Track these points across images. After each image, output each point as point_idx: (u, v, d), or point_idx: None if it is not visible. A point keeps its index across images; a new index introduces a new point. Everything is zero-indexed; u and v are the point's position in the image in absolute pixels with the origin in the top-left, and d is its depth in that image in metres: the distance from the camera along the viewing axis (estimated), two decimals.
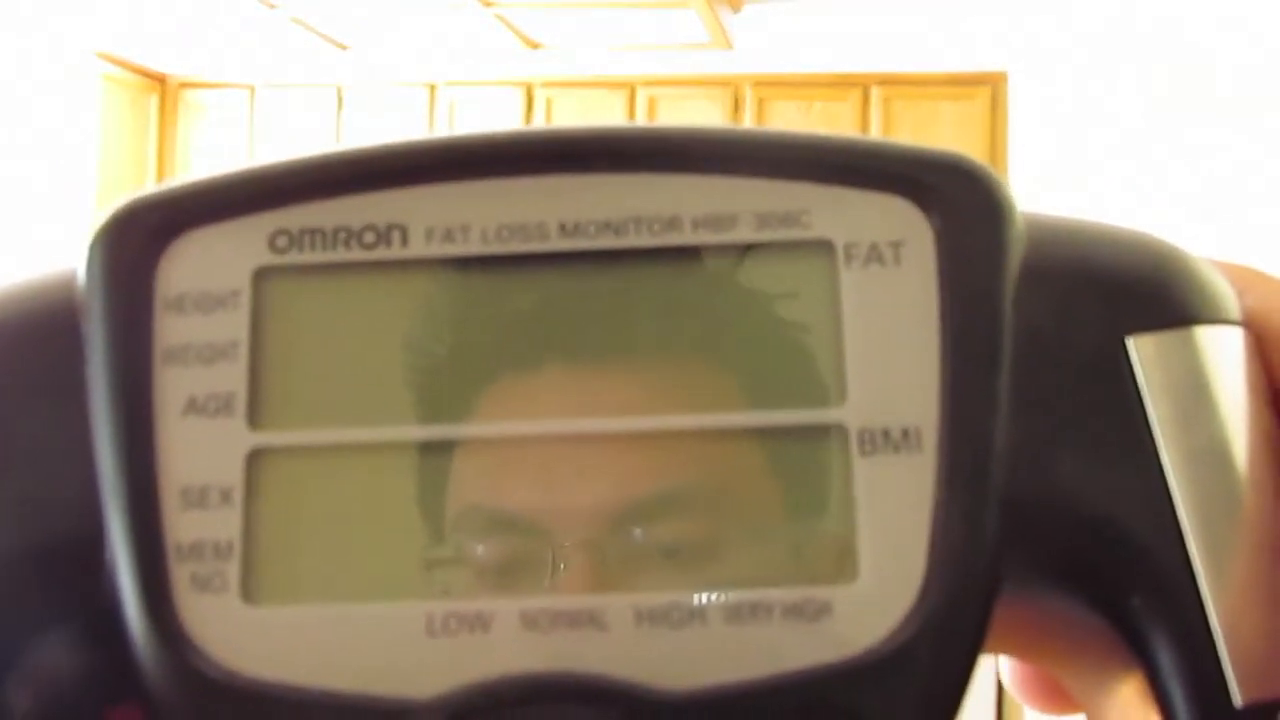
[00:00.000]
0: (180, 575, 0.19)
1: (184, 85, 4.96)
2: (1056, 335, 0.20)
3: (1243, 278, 0.22)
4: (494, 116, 4.72)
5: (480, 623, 0.19)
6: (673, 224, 0.20)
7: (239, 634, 0.19)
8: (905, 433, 0.19)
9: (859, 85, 4.56)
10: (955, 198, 0.20)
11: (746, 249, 0.20)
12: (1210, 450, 0.20)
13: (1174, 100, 3.93)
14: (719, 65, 4.47)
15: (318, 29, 4.06)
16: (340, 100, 4.84)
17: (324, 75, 4.80)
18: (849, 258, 0.20)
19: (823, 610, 0.19)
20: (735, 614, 0.19)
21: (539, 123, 4.70)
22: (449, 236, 0.20)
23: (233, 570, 0.19)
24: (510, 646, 0.19)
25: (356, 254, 0.20)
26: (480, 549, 0.20)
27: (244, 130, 4.92)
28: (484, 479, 0.20)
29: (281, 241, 0.20)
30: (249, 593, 0.19)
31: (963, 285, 0.20)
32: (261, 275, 0.20)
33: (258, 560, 0.19)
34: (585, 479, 0.20)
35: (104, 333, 0.20)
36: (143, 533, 0.19)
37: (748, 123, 4.58)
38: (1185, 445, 0.20)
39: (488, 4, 3.70)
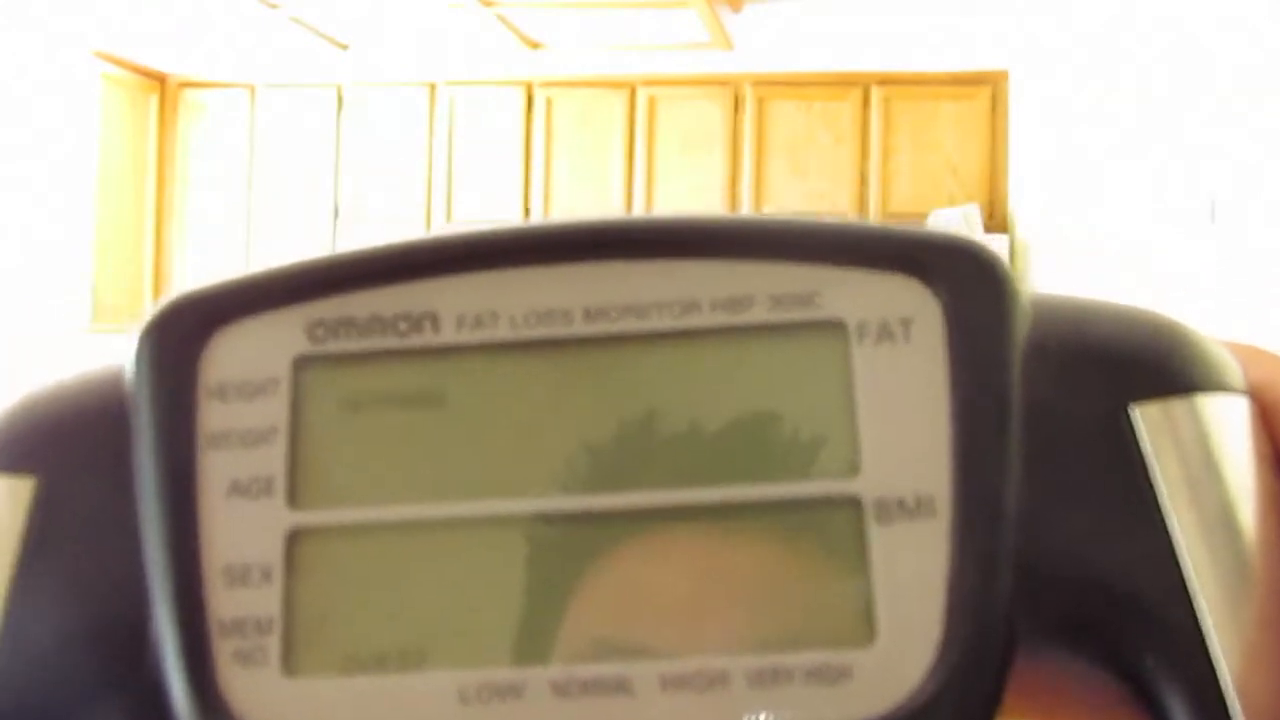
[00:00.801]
0: (223, 650, 0.20)
1: (184, 85, 4.96)
2: (1062, 405, 0.21)
3: (1247, 354, 0.23)
4: (494, 116, 4.73)
5: (512, 691, 0.20)
6: (692, 307, 0.21)
7: (280, 706, 0.20)
8: (919, 501, 0.20)
9: (859, 85, 4.57)
10: (961, 277, 0.21)
11: (763, 329, 0.21)
12: (1217, 513, 0.21)
13: (1174, 100, 3.93)
14: (719, 65, 4.47)
15: (318, 29, 4.06)
16: (340, 100, 4.85)
17: (324, 75, 4.80)
18: (860, 335, 0.21)
19: (843, 673, 0.19)
20: (758, 678, 0.19)
21: (538, 121, 4.71)
22: (479, 323, 0.21)
23: (273, 645, 0.20)
24: (541, 714, 0.19)
25: (390, 342, 0.21)
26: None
27: (244, 130, 4.92)
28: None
29: (319, 331, 0.21)
30: (289, 666, 0.20)
31: (970, 359, 0.20)
32: (300, 364, 0.21)
33: (297, 635, 0.20)
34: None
35: (151, 420, 0.21)
36: (187, 610, 0.20)
37: (748, 122, 4.59)
38: (1192, 509, 0.20)
39: (488, 4, 3.71)
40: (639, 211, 4.61)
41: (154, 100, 4.91)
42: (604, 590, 0.20)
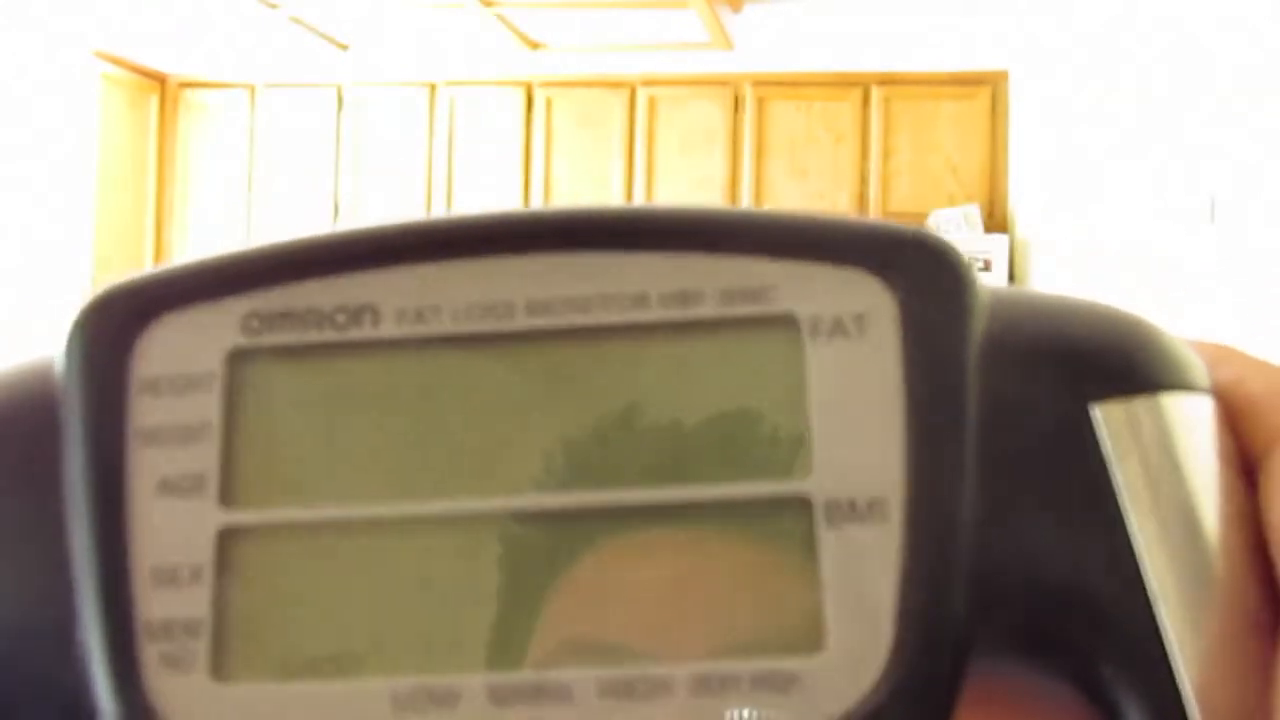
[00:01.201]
0: (150, 653, 0.19)
1: (184, 85, 4.96)
2: (1020, 404, 0.20)
3: (1214, 353, 0.22)
4: (494, 116, 4.72)
5: (448, 698, 0.19)
6: (639, 301, 0.20)
7: (208, 712, 0.19)
8: (871, 503, 0.19)
9: (859, 85, 4.56)
10: (916, 271, 0.20)
11: (712, 324, 0.20)
12: (1179, 517, 0.20)
13: (1174, 100, 3.93)
14: (719, 65, 4.47)
15: (318, 29, 4.06)
16: (340, 100, 4.84)
17: (324, 75, 4.80)
18: (813, 331, 0.20)
19: (790, 681, 0.19)
20: (703, 685, 0.19)
21: (538, 121, 4.70)
22: (420, 317, 0.20)
23: (202, 648, 0.19)
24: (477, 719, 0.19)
25: (328, 335, 0.20)
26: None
27: (244, 130, 4.92)
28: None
29: (254, 324, 0.20)
30: (218, 671, 0.19)
31: (925, 357, 0.20)
32: (234, 357, 0.20)
33: (226, 638, 0.19)
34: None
35: (81, 414, 0.20)
36: (114, 611, 0.19)
37: (748, 122, 4.58)
38: (1153, 512, 0.20)
39: (488, 4, 3.70)
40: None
41: (154, 100, 4.91)
42: (542, 594, 0.20)
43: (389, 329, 0.20)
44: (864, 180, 4.55)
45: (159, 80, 4.92)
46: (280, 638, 0.20)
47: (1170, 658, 0.19)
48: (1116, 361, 0.21)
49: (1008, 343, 0.20)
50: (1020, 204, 4.33)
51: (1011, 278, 4.24)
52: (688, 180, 4.63)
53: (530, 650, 0.20)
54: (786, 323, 0.20)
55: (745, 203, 4.57)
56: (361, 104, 4.84)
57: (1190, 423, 0.21)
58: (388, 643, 0.20)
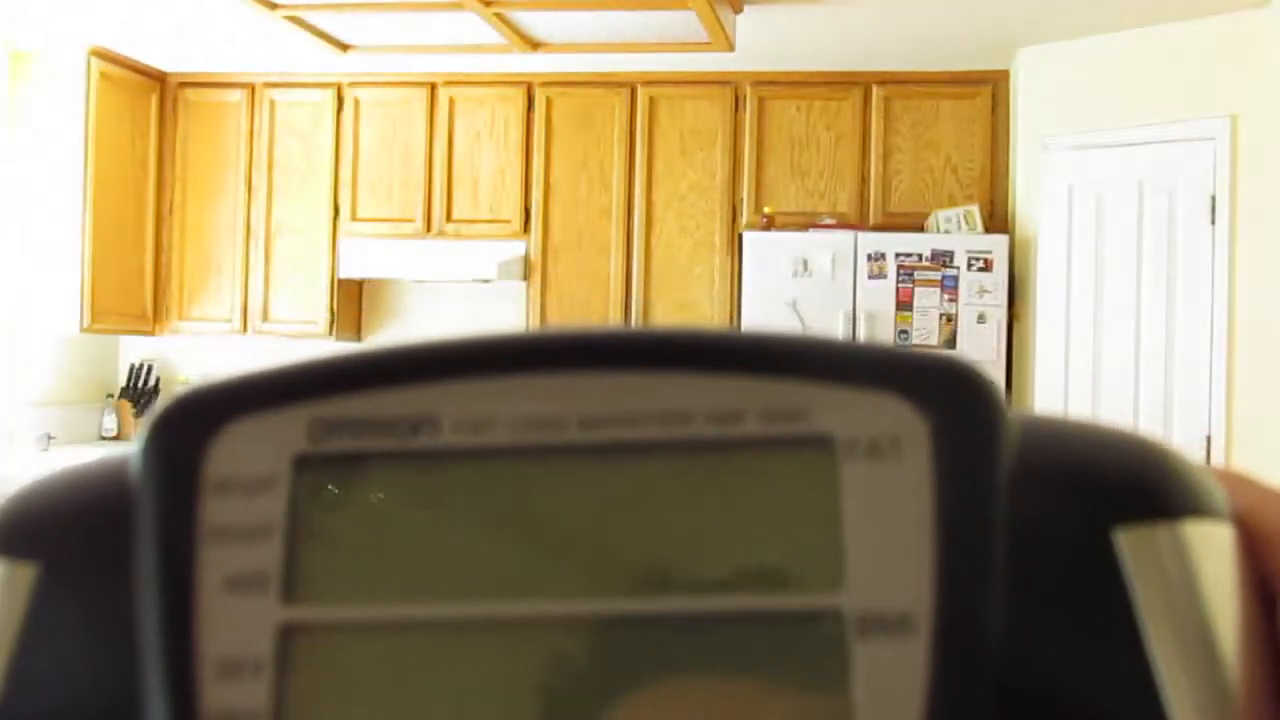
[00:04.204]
0: None
1: (184, 84, 4.96)
2: (1046, 528, 0.21)
3: (1231, 481, 0.23)
4: (494, 116, 4.73)
5: None
6: (684, 419, 0.21)
7: None
8: (901, 617, 0.20)
9: (859, 85, 4.56)
10: (950, 397, 0.21)
11: (753, 443, 0.21)
12: (1198, 641, 0.21)
13: (1174, 99, 3.93)
14: (719, 65, 4.47)
15: (318, 29, 4.06)
16: (340, 100, 4.85)
17: (324, 75, 4.80)
18: (849, 451, 0.21)
19: None
20: None
21: (539, 121, 4.71)
22: (476, 428, 0.21)
23: None
24: None
25: (389, 443, 0.21)
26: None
27: (244, 130, 4.92)
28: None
29: (319, 430, 0.21)
30: None
31: (956, 479, 0.21)
32: (299, 462, 0.21)
33: None
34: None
35: (153, 513, 0.21)
36: (179, 700, 0.20)
37: (748, 122, 4.59)
38: (1173, 635, 0.20)
39: (488, 4, 3.70)
40: (638, 211, 4.61)
41: (154, 100, 4.91)
42: (588, 700, 0.20)
43: (447, 438, 0.21)
44: (864, 180, 4.56)
45: (159, 80, 4.92)
46: None
47: None
48: (1140, 489, 0.21)
49: (1036, 468, 0.21)
50: (1020, 204, 4.34)
51: (1011, 277, 4.25)
52: (688, 180, 4.64)
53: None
54: (824, 443, 0.21)
55: (745, 202, 4.58)
56: (361, 104, 4.84)
57: (1210, 549, 0.21)
58: None
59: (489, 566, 0.21)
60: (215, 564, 0.21)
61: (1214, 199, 3.86)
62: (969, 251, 4.24)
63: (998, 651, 0.20)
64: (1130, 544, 0.21)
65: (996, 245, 4.24)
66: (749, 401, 0.21)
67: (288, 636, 0.20)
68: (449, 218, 4.76)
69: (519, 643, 0.21)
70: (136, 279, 4.83)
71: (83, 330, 4.56)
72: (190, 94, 4.97)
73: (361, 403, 0.21)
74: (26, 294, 4.49)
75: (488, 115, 4.77)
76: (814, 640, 0.20)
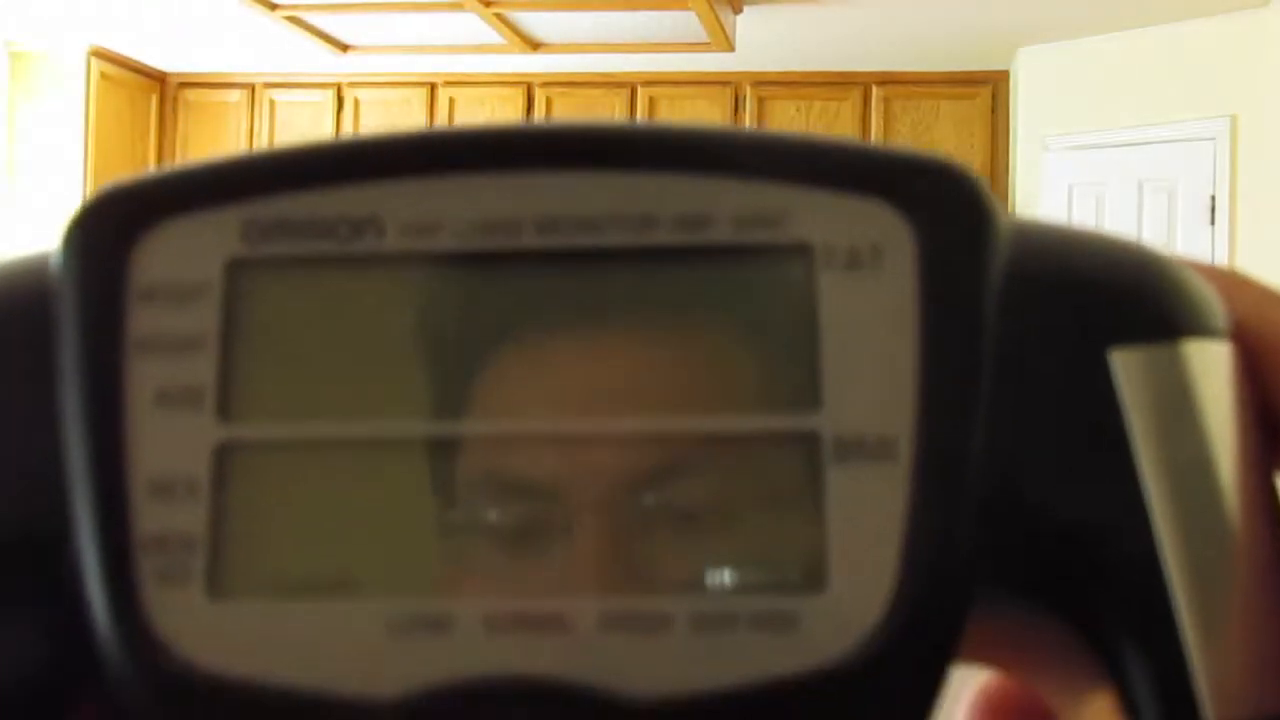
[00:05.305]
0: (145, 568, 0.19)
1: (184, 84, 4.96)
2: (1037, 345, 0.19)
3: (1227, 284, 0.21)
4: (494, 116, 4.73)
5: (442, 623, 0.19)
6: (649, 223, 0.20)
7: (202, 628, 0.19)
8: (880, 441, 0.19)
9: (859, 85, 4.56)
10: (936, 202, 0.20)
11: (724, 250, 0.20)
12: (1192, 467, 0.20)
13: (1174, 99, 3.93)
14: (719, 65, 4.47)
15: (318, 29, 4.06)
16: (340, 100, 4.84)
17: (324, 75, 4.80)
18: (827, 261, 0.19)
19: (790, 620, 0.19)
20: (701, 622, 0.19)
21: (538, 121, 4.69)
22: (425, 231, 0.20)
23: (197, 563, 0.19)
24: (471, 648, 0.19)
25: (330, 247, 0.20)
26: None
27: (244, 130, 4.92)
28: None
29: (254, 233, 0.20)
30: (213, 587, 0.19)
31: (942, 291, 0.19)
32: (233, 267, 0.20)
33: (222, 554, 0.19)
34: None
35: (76, 320, 0.20)
36: (109, 523, 0.19)
37: (748, 123, 4.58)
38: (1166, 461, 0.19)
39: (488, 4, 3.70)
40: None
41: (154, 100, 4.91)
42: (544, 518, 0.20)
43: (392, 243, 0.20)
44: None
45: (159, 80, 4.92)
46: (276, 556, 0.19)
47: (1173, 604, 0.19)
48: (1137, 307, 0.20)
49: (1027, 281, 0.20)
50: (1020, 204, 4.33)
51: None
52: None
53: (530, 577, 0.19)
54: (801, 251, 0.19)
55: None
56: (361, 104, 4.84)
57: (1207, 370, 0.20)
58: (385, 565, 0.19)
59: (439, 380, 0.20)
60: (145, 377, 0.19)
61: (1213, 199, 3.86)
62: None
63: (982, 479, 0.19)
64: (1125, 366, 0.19)
65: None
66: (720, 205, 0.19)
67: (224, 455, 0.19)
68: None
69: (470, 463, 0.20)
70: None
71: None
72: (190, 94, 4.97)
73: (299, 203, 0.20)
74: None
75: (488, 115, 4.77)
76: (787, 465, 0.19)
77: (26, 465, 0.20)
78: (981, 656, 0.21)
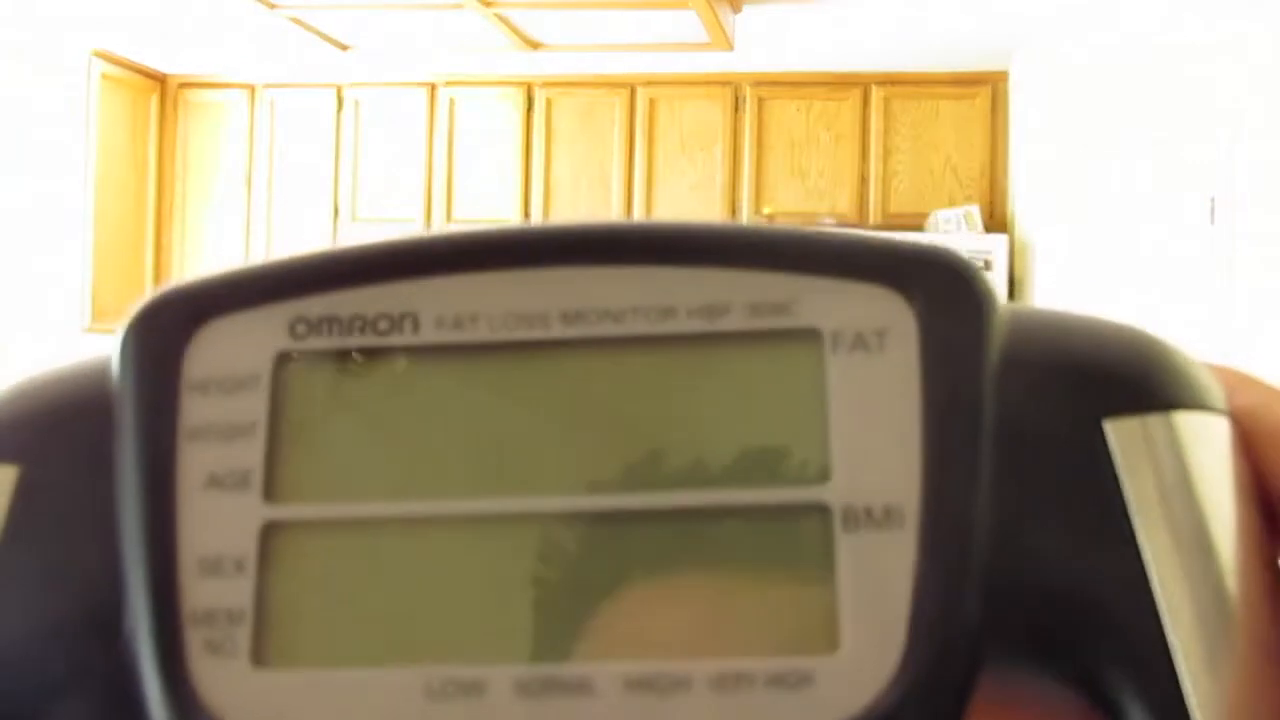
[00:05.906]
0: (194, 640, 0.20)
1: (184, 85, 4.96)
2: (1035, 419, 0.21)
3: (1231, 379, 0.22)
4: (494, 116, 4.73)
5: (475, 688, 0.20)
6: (669, 313, 0.21)
7: (247, 696, 0.20)
8: (887, 510, 0.20)
9: (859, 85, 4.57)
10: (936, 288, 0.21)
11: (739, 336, 0.21)
12: (1191, 534, 0.20)
13: (1174, 99, 3.93)
14: (719, 65, 4.47)
15: (318, 29, 4.06)
16: (340, 100, 4.85)
17: (324, 75, 4.80)
18: (835, 344, 0.21)
19: (805, 680, 0.20)
20: (720, 683, 0.20)
21: (539, 122, 4.71)
22: (458, 324, 0.21)
23: (243, 635, 0.20)
24: (504, 712, 0.20)
25: (370, 340, 0.21)
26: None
27: (244, 130, 4.93)
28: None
29: (300, 328, 0.21)
30: (258, 657, 0.20)
31: (943, 371, 0.21)
32: (281, 360, 0.21)
33: (267, 627, 0.20)
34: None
35: (133, 413, 0.21)
36: (161, 599, 0.20)
37: (748, 122, 4.59)
38: (1165, 527, 0.20)
39: (488, 4, 3.71)
40: (639, 211, 4.61)
41: (154, 100, 4.92)
42: (570, 593, 0.21)
43: (428, 335, 0.21)
44: (864, 180, 4.56)
45: (159, 80, 4.93)
46: (318, 627, 0.20)
47: (1176, 668, 0.20)
48: (1130, 378, 0.21)
49: (1024, 359, 0.21)
50: (1020, 204, 4.34)
51: (1011, 278, 4.25)
52: (688, 180, 4.64)
53: (558, 646, 0.20)
54: (810, 335, 0.21)
55: (745, 202, 4.58)
56: (361, 104, 4.85)
57: (1205, 442, 0.21)
58: (421, 635, 0.20)
59: (472, 463, 0.21)
60: (196, 463, 0.21)
61: (1214, 199, 3.86)
62: (969, 252, 4.24)
63: (986, 546, 0.20)
64: (1120, 435, 0.20)
65: (996, 245, 4.24)
66: (735, 294, 0.21)
67: (270, 534, 0.21)
68: (449, 218, 4.76)
69: (500, 539, 0.21)
70: (138, 279, 4.83)
71: (85, 330, 4.56)
72: (190, 95, 4.97)
73: (342, 299, 0.21)
74: (28, 294, 4.49)
75: (488, 115, 4.77)
76: (799, 535, 0.20)
77: (84, 551, 0.21)
78: (992, 717, 0.21)
